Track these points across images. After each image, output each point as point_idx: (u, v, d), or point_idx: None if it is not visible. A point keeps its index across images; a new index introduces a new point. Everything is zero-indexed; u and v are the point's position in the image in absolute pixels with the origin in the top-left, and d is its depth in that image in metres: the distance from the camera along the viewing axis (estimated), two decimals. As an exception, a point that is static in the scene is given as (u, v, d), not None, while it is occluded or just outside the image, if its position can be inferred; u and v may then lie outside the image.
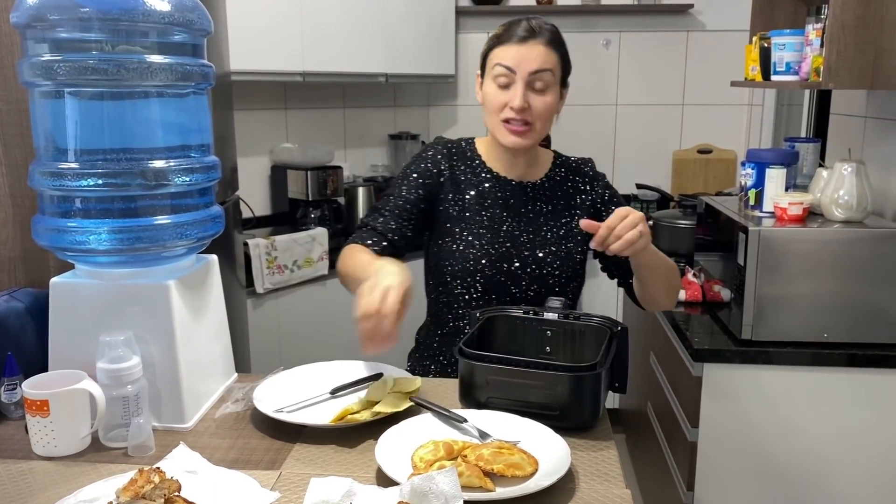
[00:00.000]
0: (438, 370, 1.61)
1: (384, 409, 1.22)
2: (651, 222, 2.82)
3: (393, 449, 1.10)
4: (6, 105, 1.46)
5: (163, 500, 0.95)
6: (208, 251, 1.38)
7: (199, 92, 1.27)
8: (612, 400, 3.30)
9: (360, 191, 3.27)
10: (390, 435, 1.13)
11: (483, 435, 1.15)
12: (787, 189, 2.01)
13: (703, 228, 2.36)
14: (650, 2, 3.56)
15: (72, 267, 1.29)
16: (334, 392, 1.31)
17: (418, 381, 1.31)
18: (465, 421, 1.18)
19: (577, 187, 1.63)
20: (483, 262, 1.54)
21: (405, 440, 1.13)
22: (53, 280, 1.24)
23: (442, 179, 1.59)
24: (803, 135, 3.10)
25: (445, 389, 1.37)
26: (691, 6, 3.55)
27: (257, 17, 2.73)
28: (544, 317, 1.40)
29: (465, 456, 1.06)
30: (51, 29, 1.14)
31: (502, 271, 1.55)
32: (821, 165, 2.15)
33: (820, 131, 2.74)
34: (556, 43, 1.52)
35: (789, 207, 1.91)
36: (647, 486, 2.72)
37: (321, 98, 3.42)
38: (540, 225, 1.59)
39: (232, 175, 2.35)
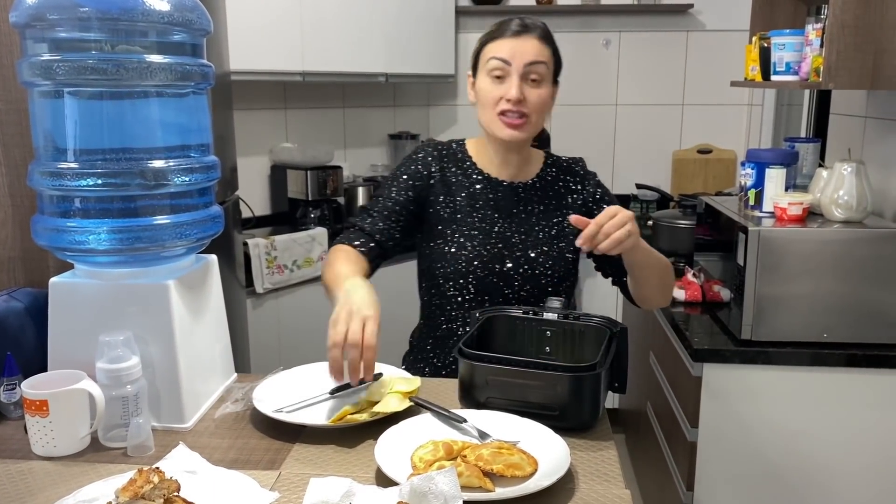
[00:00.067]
0: (432, 372, 1.61)
1: (384, 409, 1.21)
2: (651, 222, 2.83)
3: (392, 449, 1.10)
4: (5, 105, 1.45)
5: (162, 501, 0.94)
6: (208, 251, 1.38)
7: (198, 92, 1.27)
8: (611, 400, 3.30)
9: (360, 191, 3.28)
10: (390, 435, 1.13)
11: (482, 435, 1.15)
12: (786, 189, 2.01)
13: (703, 228, 2.36)
14: (650, 2, 3.56)
15: (71, 267, 1.29)
16: (334, 392, 1.30)
17: (418, 382, 1.31)
18: (465, 421, 1.18)
19: (568, 187, 1.63)
20: (475, 263, 1.54)
21: (405, 440, 1.12)
22: (53, 280, 1.24)
23: (432, 181, 1.59)
24: (803, 135, 3.10)
25: (445, 389, 1.37)
26: (691, 6, 3.55)
27: (257, 17, 2.73)
28: (544, 317, 1.40)
29: (465, 456, 1.06)
30: (50, 28, 1.14)
31: (495, 272, 1.55)
32: (821, 165, 2.15)
33: (820, 131, 2.74)
34: (548, 39, 1.54)
35: (789, 207, 1.90)
36: (646, 486, 2.72)
37: (321, 98, 3.42)
38: (532, 225, 1.59)
39: (231, 175, 2.35)
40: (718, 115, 3.68)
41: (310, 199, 3.08)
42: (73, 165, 1.16)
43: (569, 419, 1.19)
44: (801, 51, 2.07)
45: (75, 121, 1.16)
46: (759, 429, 1.95)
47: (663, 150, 3.74)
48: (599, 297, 3.30)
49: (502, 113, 1.50)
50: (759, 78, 2.30)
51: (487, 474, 1.02)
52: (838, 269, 1.86)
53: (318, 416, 1.25)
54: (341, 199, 3.22)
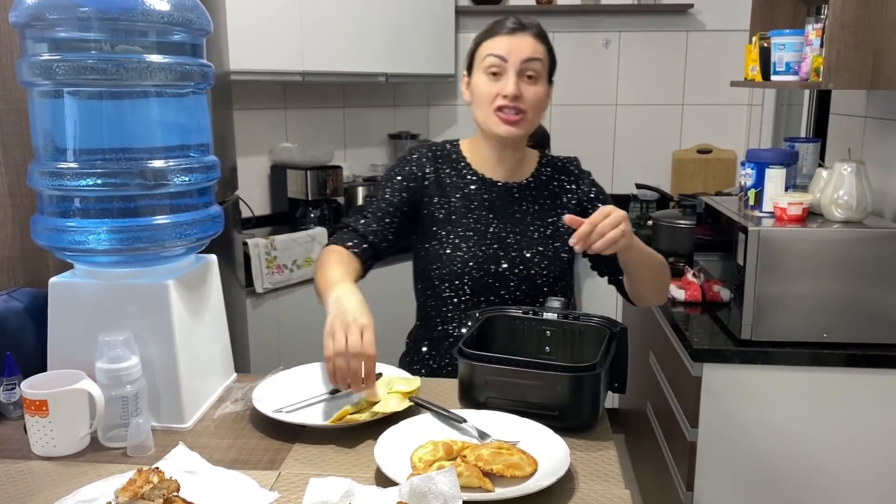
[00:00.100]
0: (428, 373, 1.61)
1: (383, 409, 1.21)
2: (651, 222, 2.83)
3: (392, 449, 1.10)
4: (5, 104, 1.45)
5: (162, 501, 0.94)
6: (208, 251, 1.38)
7: (198, 91, 1.27)
8: (611, 400, 3.30)
9: (360, 190, 3.28)
10: (389, 435, 1.13)
11: (482, 435, 1.15)
12: (786, 189, 2.01)
13: (703, 228, 2.36)
14: (650, 2, 3.56)
15: (71, 267, 1.29)
16: (333, 392, 1.31)
17: (417, 382, 1.31)
18: (465, 421, 1.18)
19: (562, 186, 1.63)
20: (470, 264, 1.54)
21: (404, 440, 1.12)
22: (52, 280, 1.24)
23: (426, 183, 1.59)
24: (803, 135, 3.10)
25: (445, 389, 1.37)
26: (691, 6, 3.55)
27: (257, 17, 2.73)
28: (544, 317, 1.40)
29: (465, 456, 1.06)
30: (50, 28, 1.14)
31: (490, 273, 1.55)
32: (820, 165, 2.15)
33: (820, 131, 2.74)
34: (543, 37, 1.55)
35: (789, 207, 1.90)
36: (646, 486, 2.72)
37: (321, 98, 3.42)
38: (527, 225, 1.59)
39: (231, 175, 2.35)
40: (718, 115, 3.68)
41: (310, 198, 3.08)
42: (72, 165, 1.16)
43: (568, 419, 1.19)
44: (801, 51, 2.07)
45: (75, 121, 1.16)
46: (759, 429, 1.95)
47: (663, 150, 3.74)
48: (599, 297, 3.30)
49: (499, 109, 1.50)
50: (759, 78, 2.30)
51: (487, 474, 1.02)
52: (838, 270, 1.86)
53: (317, 416, 1.25)
54: (341, 199, 3.22)
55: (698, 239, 2.43)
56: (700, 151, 3.69)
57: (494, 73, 1.50)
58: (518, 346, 1.40)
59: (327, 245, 1.54)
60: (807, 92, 3.04)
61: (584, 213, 1.55)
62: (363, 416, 1.20)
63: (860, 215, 1.89)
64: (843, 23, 1.85)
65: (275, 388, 1.32)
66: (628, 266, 1.50)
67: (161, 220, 1.21)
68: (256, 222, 3.09)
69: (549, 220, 1.60)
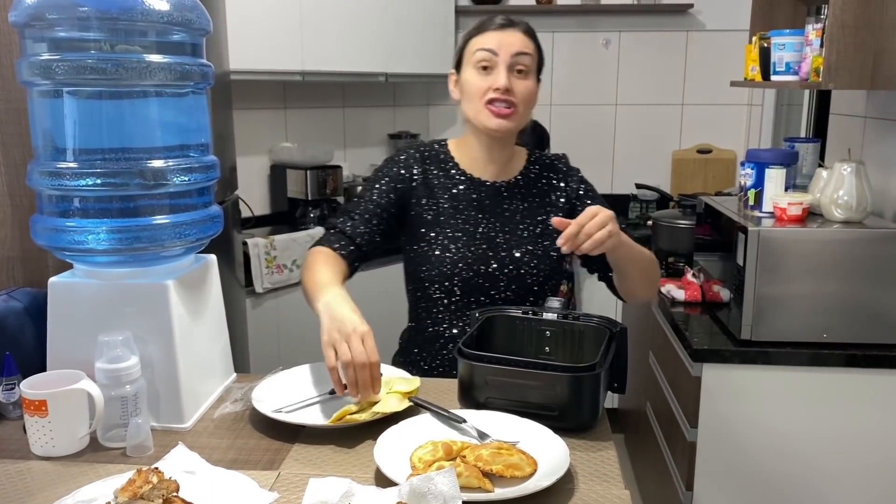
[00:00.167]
0: (420, 374, 1.60)
1: (383, 409, 1.21)
2: (651, 222, 2.82)
3: (392, 449, 1.10)
4: (5, 104, 1.45)
5: (161, 501, 0.94)
6: (207, 251, 1.38)
7: (197, 91, 1.26)
8: (611, 400, 3.30)
9: (360, 190, 3.27)
10: (389, 435, 1.13)
11: (482, 435, 1.14)
12: (786, 189, 2.01)
13: (703, 228, 2.36)
14: (650, 2, 3.56)
15: (70, 266, 1.28)
16: (333, 392, 1.30)
17: (417, 382, 1.31)
18: (464, 421, 1.18)
19: (551, 184, 1.63)
20: (460, 265, 1.54)
21: (404, 440, 1.12)
22: (52, 280, 1.24)
23: (414, 184, 1.59)
24: (803, 135, 3.10)
25: (444, 389, 1.37)
26: (691, 6, 3.55)
27: (257, 17, 2.73)
28: (543, 317, 1.40)
29: (464, 456, 1.06)
30: (49, 28, 1.14)
31: (480, 273, 1.54)
32: (820, 165, 2.15)
33: (819, 131, 2.74)
34: (532, 34, 1.57)
35: (789, 208, 1.90)
36: (646, 487, 2.72)
37: (321, 97, 3.42)
38: (516, 224, 1.59)
39: (231, 174, 2.35)
40: (718, 115, 3.68)
41: (309, 198, 3.08)
42: (72, 165, 1.16)
43: (568, 419, 1.19)
44: (801, 51, 2.07)
45: (74, 120, 1.16)
46: (759, 429, 1.95)
47: (663, 150, 3.74)
48: (599, 297, 3.30)
49: (490, 102, 1.50)
50: (758, 78, 2.30)
51: (487, 475, 1.02)
52: (838, 270, 1.86)
53: (317, 416, 1.25)
54: (341, 199, 3.22)
55: (698, 239, 2.43)
56: (700, 151, 3.69)
57: (485, 68, 1.51)
58: (518, 346, 1.40)
59: (314, 246, 1.53)
60: (807, 92, 3.04)
61: (574, 210, 1.55)
62: (363, 417, 1.20)
63: (860, 215, 1.89)
64: (843, 23, 1.85)
65: (274, 388, 1.32)
66: (617, 264, 1.51)
67: (160, 220, 1.21)
68: (256, 222, 3.08)
69: (539, 218, 1.60)
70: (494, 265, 1.55)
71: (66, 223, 1.19)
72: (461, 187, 1.59)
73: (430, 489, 0.92)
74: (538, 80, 1.57)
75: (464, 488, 0.98)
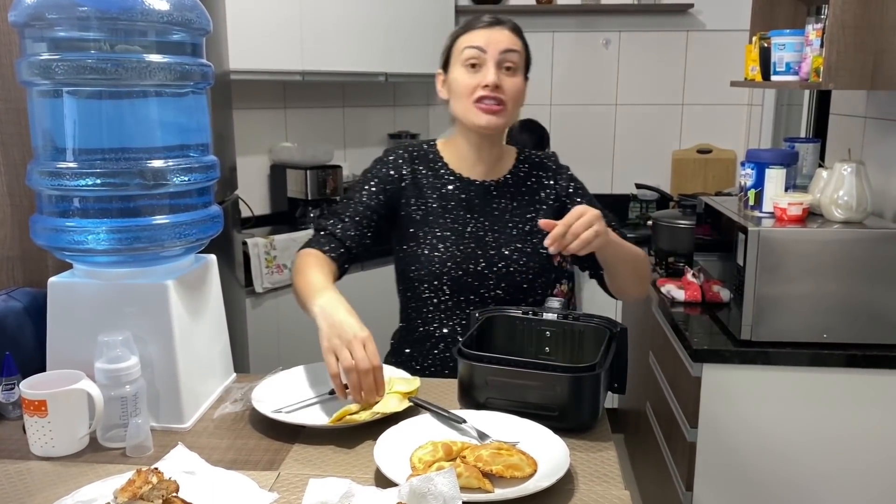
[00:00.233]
0: (411, 374, 1.61)
1: (383, 409, 1.21)
2: (651, 222, 2.82)
3: (392, 450, 1.10)
4: (4, 104, 1.45)
5: (161, 501, 0.94)
6: (207, 250, 1.38)
7: (197, 91, 1.26)
8: (610, 400, 3.30)
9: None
10: (389, 436, 1.13)
11: (482, 436, 1.14)
12: (786, 189, 2.00)
13: (703, 228, 2.36)
14: (650, 2, 3.56)
15: (70, 266, 1.28)
16: (333, 392, 1.30)
17: (417, 382, 1.31)
18: (464, 422, 1.18)
19: (540, 182, 1.64)
20: (449, 264, 1.54)
21: (404, 441, 1.12)
22: (52, 280, 1.24)
23: (404, 184, 1.59)
24: (803, 135, 3.10)
25: (444, 390, 1.37)
26: (691, 6, 3.55)
27: (257, 16, 2.73)
28: (543, 317, 1.39)
29: (464, 457, 1.06)
30: (49, 28, 1.14)
31: (469, 272, 1.55)
32: (820, 166, 2.15)
33: (820, 131, 2.74)
34: (519, 32, 1.57)
35: (789, 208, 1.90)
36: (645, 487, 2.72)
37: (321, 97, 3.42)
38: (505, 222, 1.59)
39: (231, 174, 2.35)
40: (718, 115, 3.68)
41: (309, 198, 3.08)
42: (72, 165, 1.16)
43: (568, 420, 1.19)
44: (801, 51, 2.07)
45: (74, 120, 1.16)
46: (759, 429, 1.95)
47: (663, 150, 3.74)
48: (600, 297, 3.27)
49: (479, 100, 1.50)
50: (759, 78, 2.29)
51: (487, 475, 1.02)
52: (838, 270, 1.86)
53: (317, 416, 1.25)
54: (341, 199, 3.21)
55: (698, 239, 2.43)
56: (700, 151, 3.69)
57: (473, 65, 1.51)
58: (518, 346, 1.40)
59: (303, 248, 1.53)
60: (807, 92, 3.04)
61: (564, 208, 1.55)
62: (363, 417, 1.20)
63: (860, 216, 1.88)
64: (844, 23, 1.85)
65: (274, 388, 1.32)
66: (606, 262, 1.51)
67: (160, 220, 1.21)
68: (256, 222, 3.08)
69: (528, 216, 1.60)
70: (483, 264, 1.55)
71: (66, 223, 1.19)
72: (450, 187, 1.59)
73: (430, 490, 0.92)
74: (526, 78, 1.57)
75: (464, 489, 0.98)
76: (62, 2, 1.11)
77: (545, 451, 1.10)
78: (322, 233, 1.55)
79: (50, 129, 1.18)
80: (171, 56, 1.19)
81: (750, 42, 2.38)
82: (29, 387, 1.13)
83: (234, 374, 1.46)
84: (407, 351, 1.62)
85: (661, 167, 3.74)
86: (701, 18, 3.61)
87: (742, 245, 1.89)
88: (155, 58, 1.17)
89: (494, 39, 1.51)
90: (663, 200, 3.52)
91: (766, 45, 2.21)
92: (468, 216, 1.58)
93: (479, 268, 1.55)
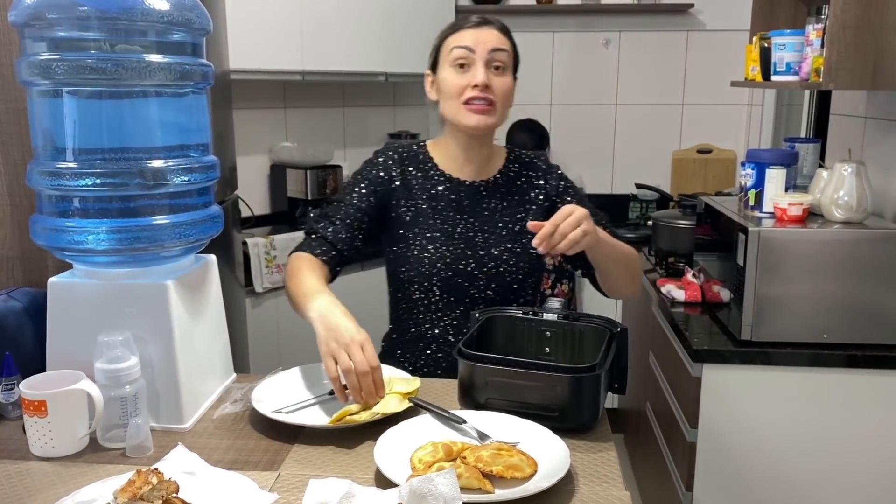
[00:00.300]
0: None
1: (383, 410, 1.21)
2: (651, 222, 2.82)
3: (392, 450, 1.10)
4: (4, 104, 1.45)
5: (161, 502, 0.94)
6: (207, 250, 1.38)
7: (197, 91, 1.26)
8: (610, 400, 3.30)
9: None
10: (389, 436, 1.13)
11: (482, 436, 1.14)
12: (786, 189, 2.00)
13: (703, 228, 2.36)
14: (650, 1, 3.56)
15: (70, 266, 1.28)
16: (333, 393, 1.30)
17: (417, 382, 1.31)
18: (464, 422, 1.18)
19: (530, 182, 1.63)
20: (438, 265, 1.54)
21: (404, 441, 1.12)
22: (51, 280, 1.24)
23: (394, 186, 1.58)
24: (803, 135, 3.10)
25: (444, 390, 1.37)
26: (691, 6, 3.55)
27: (257, 16, 2.73)
28: (544, 317, 1.39)
29: (464, 457, 1.05)
30: (49, 28, 1.14)
31: (458, 273, 1.55)
32: (821, 166, 2.15)
33: (820, 131, 2.74)
34: (507, 32, 1.57)
35: (789, 208, 1.90)
36: (645, 487, 2.72)
37: (320, 97, 3.42)
38: (495, 222, 1.59)
39: (231, 174, 2.35)
40: (718, 115, 3.68)
41: (309, 198, 3.08)
42: (72, 165, 1.16)
43: (568, 420, 1.19)
44: (801, 51, 2.07)
45: (74, 120, 1.16)
46: (759, 429, 1.95)
47: (663, 150, 3.74)
48: (600, 297, 3.29)
49: (468, 102, 1.50)
50: (759, 78, 2.29)
51: (487, 476, 1.02)
52: (838, 270, 1.86)
53: (317, 416, 1.25)
54: (341, 199, 3.21)
55: (698, 239, 2.43)
56: (700, 151, 3.68)
57: (462, 65, 1.51)
58: (518, 346, 1.40)
59: (295, 252, 1.53)
60: (807, 92, 3.03)
61: (554, 208, 1.55)
62: (363, 417, 1.19)
63: (860, 216, 1.88)
64: (844, 23, 1.85)
65: (274, 388, 1.32)
66: (596, 261, 1.51)
67: (160, 220, 1.21)
68: (256, 222, 3.08)
69: (518, 216, 1.60)
70: (473, 264, 1.55)
71: (66, 223, 1.18)
72: (440, 188, 1.59)
73: (430, 490, 0.92)
74: (515, 78, 1.57)
75: (464, 489, 0.98)
76: (62, 2, 1.11)
77: (545, 451, 1.10)
78: (313, 236, 1.55)
79: (50, 129, 1.18)
80: (171, 56, 1.19)
81: (750, 42, 2.38)
82: (29, 387, 1.13)
83: (234, 375, 1.46)
84: (398, 353, 1.62)
85: (661, 167, 3.73)
86: (701, 18, 3.61)
87: (742, 245, 1.89)
88: (155, 58, 1.16)
89: (482, 39, 1.51)
90: (663, 200, 3.52)
91: (766, 45, 2.21)
92: (458, 217, 1.58)
93: (469, 268, 1.55)
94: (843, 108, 2.39)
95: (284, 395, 1.30)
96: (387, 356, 1.65)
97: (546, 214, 1.50)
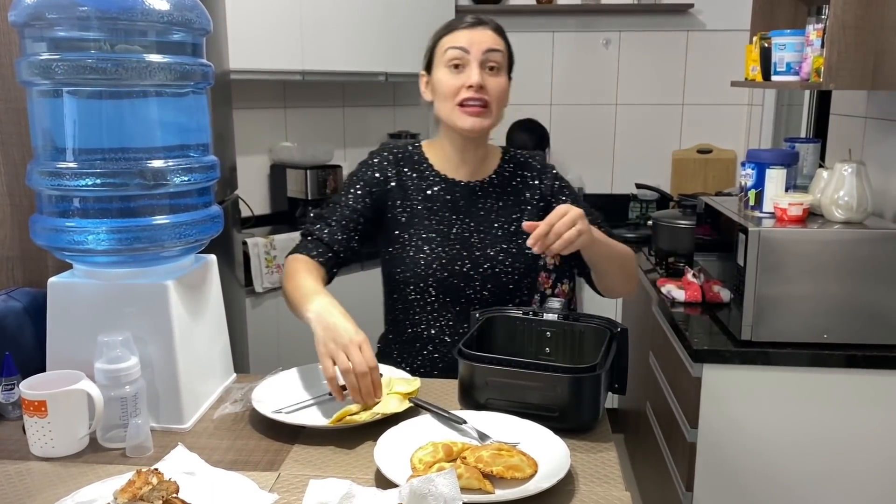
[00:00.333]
0: None
1: (383, 410, 1.21)
2: (651, 222, 2.82)
3: (392, 450, 1.10)
4: (4, 104, 1.45)
5: (161, 502, 0.94)
6: (207, 250, 1.38)
7: (198, 91, 1.26)
8: (611, 400, 3.30)
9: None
10: (389, 436, 1.13)
11: (482, 436, 1.14)
12: (787, 189, 2.00)
13: (703, 228, 2.36)
14: (650, 1, 3.56)
15: (70, 267, 1.28)
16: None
17: (417, 383, 1.31)
18: (465, 422, 1.18)
19: (525, 182, 1.63)
20: (434, 266, 1.54)
21: (404, 441, 1.12)
22: (51, 280, 1.24)
23: (389, 187, 1.58)
24: (803, 135, 3.10)
25: (444, 390, 1.37)
26: (691, 6, 3.55)
27: (257, 16, 2.73)
28: (544, 318, 1.39)
29: (465, 457, 1.05)
30: (49, 28, 1.14)
31: (454, 273, 1.54)
32: (821, 166, 2.15)
33: (820, 131, 2.74)
34: (502, 32, 1.57)
35: (789, 208, 1.90)
36: (645, 487, 2.72)
37: (320, 97, 3.42)
38: (490, 223, 1.59)
39: (231, 174, 2.34)
40: (718, 115, 3.68)
41: (309, 198, 3.08)
42: (72, 165, 1.16)
43: (569, 420, 1.19)
44: (801, 51, 2.07)
45: (74, 120, 1.16)
46: (759, 430, 1.95)
47: (663, 150, 3.74)
48: (600, 298, 3.29)
49: (462, 104, 1.50)
50: (759, 78, 2.29)
51: (487, 476, 1.02)
52: (839, 270, 1.86)
53: (317, 416, 1.25)
54: (341, 199, 3.21)
55: (698, 239, 2.43)
56: (700, 151, 3.68)
57: (456, 66, 1.51)
58: (518, 347, 1.40)
59: (291, 254, 1.53)
60: (807, 92, 3.03)
61: (549, 208, 1.55)
62: (363, 417, 1.19)
63: (861, 216, 1.88)
64: (844, 23, 1.85)
65: (274, 388, 1.32)
66: (591, 261, 1.51)
67: (160, 220, 1.21)
68: (256, 221, 3.08)
69: (514, 216, 1.60)
70: (469, 265, 1.55)
71: (66, 223, 1.18)
72: (436, 188, 1.59)
73: (430, 490, 0.92)
74: (509, 78, 1.57)
75: (464, 490, 0.98)
76: (62, 2, 1.11)
77: (546, 451, 1.10)
78: (309, 238, 1.55)
79: (50, 129, 1.18)
80: (172, 56, 1.19)
81: (750, 42, 2.38)
82: (29, 387, 1.13)
83: (234, 375, 1.46)
84: (395, 354, 1.62)
85: (661, 167, 3.73)
86: (701, 18, 3.61)
87: (742, 245, 1.89)
88: (155, 58, 1.16)
89: (477, 40, 1.50)
90: (663, 200, 3.52)
91: (766, 45, 2.21)
92: (453, 217, 1.58)
93: (464, 269, 1.55)
94: (843, 108, 2.39)
95: (284, 395, 1.30)
96: (383, 357, 1.65)
97: (541, 214, 1.50)
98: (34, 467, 1.11)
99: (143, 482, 0.96)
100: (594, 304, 3.31)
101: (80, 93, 1.15)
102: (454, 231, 1.57)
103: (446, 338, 1.57)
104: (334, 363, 1.21)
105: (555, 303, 1.41)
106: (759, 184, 2.02)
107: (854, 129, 2.29)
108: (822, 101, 2.82)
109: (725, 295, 2.13)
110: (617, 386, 1.29)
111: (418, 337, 1.59)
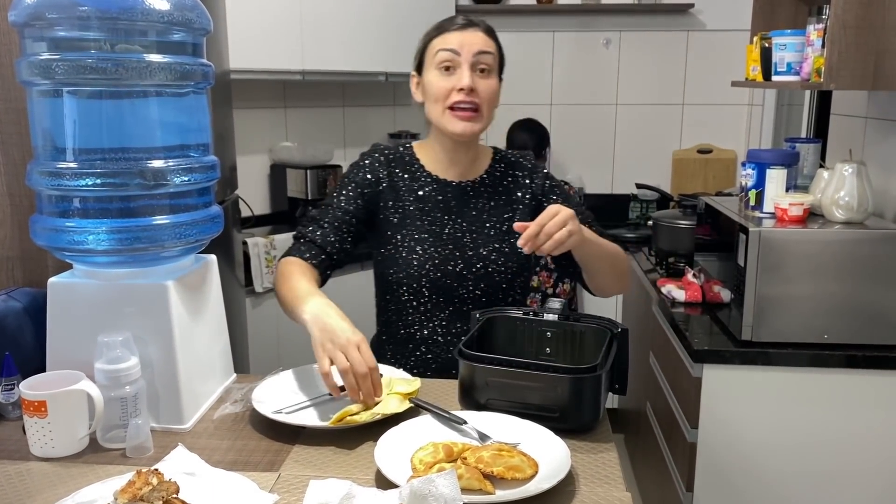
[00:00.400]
0: None
1: (383, 410, 1.21)
2: (651, 222, 2.82)
3: (392, 451, 1.09)
4: (4, 104, 1.45)
5: (161, 503, 0.94)
6: (207, 250, 1.38)
7: (198, 91, 1.26)
8: (611, 400, 3.30)
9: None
10: (390, 437, 1.13)
11: (483, 437, 1.14)
12: (787, 190, 2.00)
13: (703, 228, 2.36)
14: (650, 1, 3.56)
15: (70, 267, 1.28)
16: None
17: (417, 383, 1.31)
18: (465, 423, 1.18)
19: (517, 182, 1.64)
20: (427, 266, 1.54)
21: (405, 442, 1.12)
22: (51, 280, 1.24)
23: (381, 188, 1.58)
24: (804, 135, 3.10)
25: (445, 391, 1.37)
26: (691, 6, 3.55)
27: (257, 16, 2.73)
28: (544, 318, 1.39)
29: (465, 458, 1.05)
30: (49, 27, 1.14)
31: (447, 273, 1.54)
32: (821, 166, 2.14)
33: (820, 132, 2.74)
34: (493, 34, 1.56)
35: (790, 208, 1.90)
36: (646, 487, 2.72)
37: (321, 97, 3.41)
38: (482, 223, 1.59)
39: (231, 174, 2.34)
40: (718, 115, 3.68)
41: (309, 198, 3.08)
42: (72, 165, 1.16)
43: (569, 421, 1.19)
44: (802, 51, 2.07)
45: (74, 120, 1.16)
46: (759, 430, 1.95)
47: (663, 150, 3.74)
48: (599, 298, 3.30)
49: (452, 108, 1.50)
50: (759, 78, 2.29)
51: (488, 476, 1.02)
52: (839, 270, 1.85)
53: (317, 417, 1.25)
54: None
55: (698, 239, 2.43)
56: (700, 151, 3.68)
57: (447, 68, 1.51)
58: (518, 347, 1.40)
59: (284, 257, 1.53)
60: (807, 92, 3.03)
61: (540, 207, 1.55)
62: (363, 418, 1.19)
63: (861, 216, 1.88)
64: (845, 23, 1.85)
65: (274, 388, 1.32)
66: (583, 261, 1.51)
67: (160, 220, 1.21)
68: (256, 221, 3.08)
69: (505, 215, 1.60)
70: (461, 265, 1.55)
71: (66, 223, 1.18)
72: (427, 189, 1.59)
73: (430, 491, 0.91)
74: (500, 80, 1.57)
75: (465, 490, 0.98)
76: (62, 2, 1.11)
77: (546, 452, 1.10)
78: (302, 240, 1.55)
79: (50, 129, 1.18)
80: (172, 56, 1.19)
81: (751, 42, 2.38)
82: (29, 387, 1.13)
83: (235, 375, 1.46)
84: (388, 355, 1.62)
85: (661, 167, 3.73)
86: (701, 18, 3.61)
87: (743, 245, 1.89)
88: (155, 58, 1.16)
89: (468, 41, 1.50)
90: (663, 200, 3.52)
91: (766, 45, 2.21)
92: (445, 218, 1.58)
93: (457, 269, 1.55)
94: (843, 108, 2.39)
95: (285, 395, 1.30)
96: (376, 358, 1.64)
97: (533, 214, 1.50)
98: (34, 467, 1.11)
99: (144, 482, 0.96)
100: (595, 303, 3.31)
101: (80, 93, 1.15)
102: (446, 231, 1.57)
103: (439, 338, 1.57)
104: (332, 363, 1.21)
105: (555, 303, 1.41)
106: (760, 184, 2.02)
107: (854, 129, 2.29)
108: (823, 102, 2.82)
109: (726, 295, 2.13)
110: (617, 386, 1.29)
111: (411, 337, 1.58)
